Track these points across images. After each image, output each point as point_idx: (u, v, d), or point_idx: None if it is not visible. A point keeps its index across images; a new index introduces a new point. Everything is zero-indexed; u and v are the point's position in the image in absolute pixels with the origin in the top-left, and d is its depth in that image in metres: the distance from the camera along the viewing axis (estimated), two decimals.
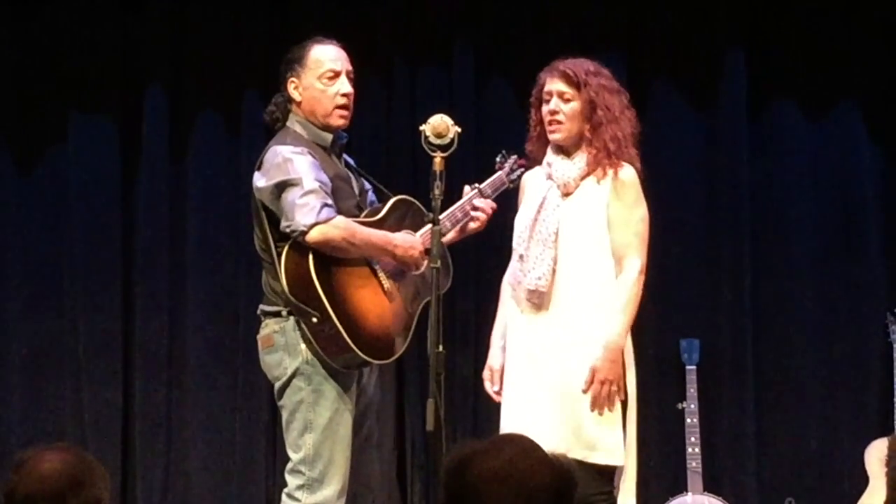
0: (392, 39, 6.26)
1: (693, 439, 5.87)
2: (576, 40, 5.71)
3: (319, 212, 4.19)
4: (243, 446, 6.19)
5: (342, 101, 4.38)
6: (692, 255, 6.25)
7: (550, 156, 4.42)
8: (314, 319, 4.21)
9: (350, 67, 4.42)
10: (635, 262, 4.31)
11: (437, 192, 4.06)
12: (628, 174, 4.35)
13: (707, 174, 6.30)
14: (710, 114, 6.30)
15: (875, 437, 5.90)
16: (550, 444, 4.03)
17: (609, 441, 4.23)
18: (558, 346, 4.28)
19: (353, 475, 4.33)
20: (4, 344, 6.26)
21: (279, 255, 4.26)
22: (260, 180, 4.31)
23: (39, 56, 6.27)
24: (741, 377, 6.18)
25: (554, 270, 4.31)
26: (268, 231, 4.30)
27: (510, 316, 4.42)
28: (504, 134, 5.82)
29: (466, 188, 4.56)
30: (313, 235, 4.19)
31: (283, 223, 4.23)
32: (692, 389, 5.96)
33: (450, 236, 4.47)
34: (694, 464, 5.86)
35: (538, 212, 4.35)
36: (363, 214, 4.39)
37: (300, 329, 4.25)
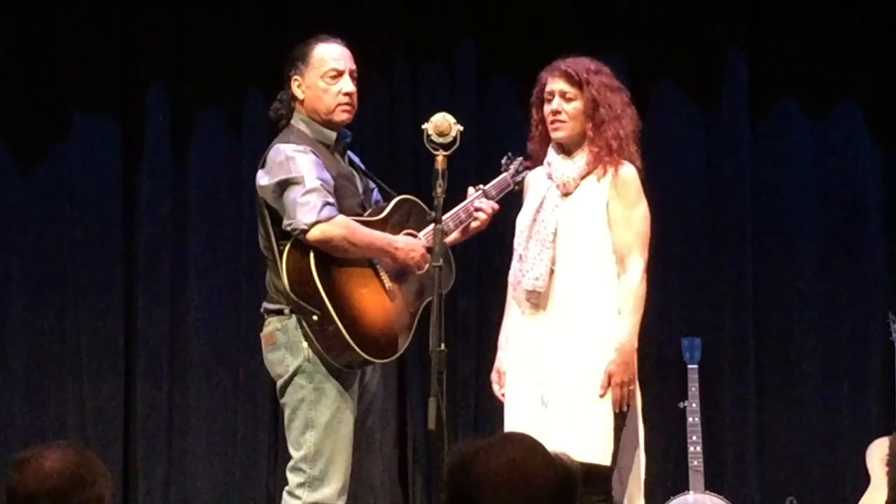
0: (394, 37, 6.26)
1: (695, 438, 5.87)
2: (578, 39, 5.71)
3: (321, 210, 4.19)
4: (245, 444, 6.19)
5: (344, 99, 4.38)
6: (694, 254, 6.25)
7: (551, 155, 4.42)
8: (315, 318, 4.21)
9: (353, 66, 4.42)
10: (638, 261, 4.31)
11: (439, 190, 4.06)
12: (628, 172, 4.35)
13: (708, 173, 6.30)
14: (712, 113, 6.29)
15: (876, 437, 5.90)
16: (551, 443, 4.07)
17: (603, 441, 4.21)
18: (557, 346, 4.28)
19: (354, 474, 4.33)
20: (6, 342, 6.26)
21: (281, 253, 4.26)
22: (263, 178, 4.31)
23: (41, 54, 6.27)
24: (743, 376, 6.18)
25: (552, 271, 4.30)
26: (270, 229, 4.30)
27: (513, 316, 4.43)
28: (506, 132, 5.84)
29: (471, 189, 4.56)
30: (314, 234, 4.19)
31: (285, 221, 4.23)
32: (694, 388, 5.95)
33: (453, 237, 4.47)
34: (695, 462, 5.85)
35: (537, 212, 4.35)
36: (366, 213, 4.39)
37: (302, 327, 4.26)
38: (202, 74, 6.31)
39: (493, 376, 4.48)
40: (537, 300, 4.32)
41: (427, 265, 4.31)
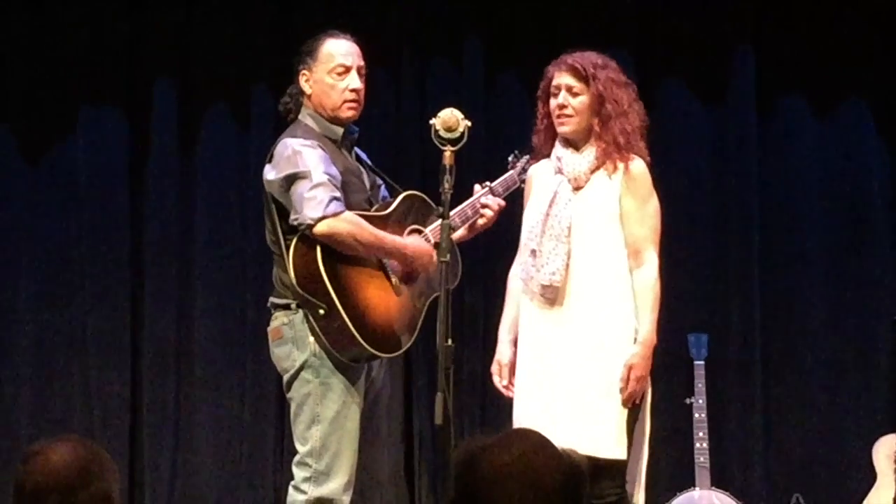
0: (402, 32, 6.26)
1: (701, 434, 5.86)
2: (585, 35, 5.69)
3: (327, 205, 4.19)
4: (251, 438, 6.20)
5: (351, 96, 4.38)
6: (701, 250, 6.25)
7: (559, 149, 4.41)
8: (321, 311, 4.20)
9: (362, 63, 4.42)
10: (653, 256, 4.32)
11: (447, 185, 4.04)
12: (639, 168, 4.34)
13: (716, 169, 6.30)
14: (719, 110, 6.30)
15: (883, 434, 5.90)
16: (562, 439, 4.06)
17: (618, 436, 4.22)
18: (571, 340, 4.28)
19: (360, 469, 4.33)
20: (13, 335, 6.27)
21: (288, 247, 4.26)
22: (270, 173, 4.31)
23: (49, 48, 6.28)
24: (749, 372, 6.18)
25: (567, 265, 4.30)
26: (277, 224, 4.31)
27: (522, 311, 4.41)
28: (514, 128, 5.83)
29: (477, 187, 4.55)
30: (320, 229, 4.19)
31: (292, 216, 4.23)
32: (700, 384, 5.94)
33: (459, 233, 4.47)
34: (702, 459, 5.85)
35: (550, 206, 4.34)
36: (373, 209, 4.39)
37: (308, 322, 4.25)
38: (210, 69, 6.31)
39: (494, 368, 4.48)
40: (553, 295, 4.31)
41: (433, 268, 4.30)
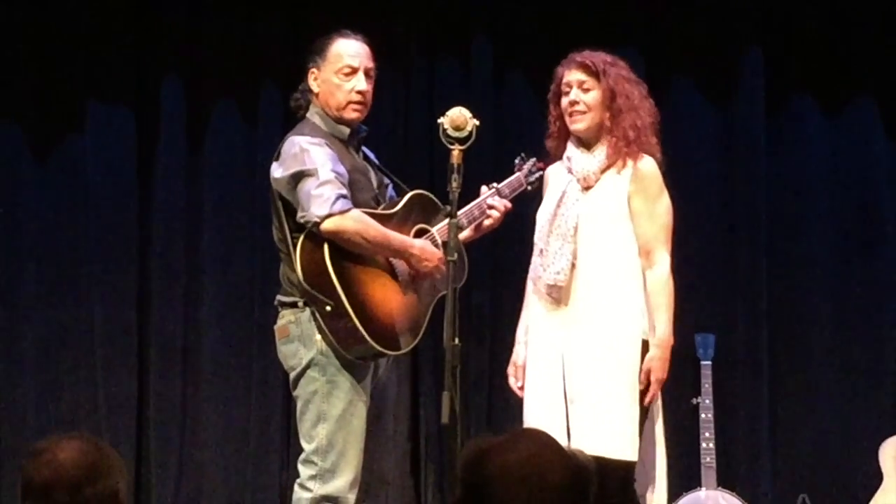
0: (410, 31, 6.26)
1: (707, 434, 5.86)
2: (594, 35, 5.69)
3: (334, 203, 4.19)
4: (257, 437, 6.20)
5: (356, 97, 4.38)
6: (708, 250, 6.24)
7: (570, 149, 4.42)
8: (328, 308, 4.21)
9: (371, 65, 4.42)
10: (665, 255, 4.31)
11: (454, 185, 4.05)
12: (648, 165, 4.34)
13: (724, 169, 6.30)
14: (728, 109, 6.29)
15: (890, 435, 5.89)
16: (578, 439, 4.07)
17: (628, 437, 4.22)
18: (579, 341, 4.28)
19: (366, 467, 4.33)
20: (20, 333, 6.27)
21: (295, 245, 4.26)
22: (277, 171, 4.31)
23: (57, 45, 6.28)
24: (756, 373, 6.17)
25: (573, 265, 4.30)
26: (284, 221, 4.31)
27: (532, 311, 4.42)
28: (522, 127, 5.84)
29: (484, 188, 4.56)
30: (327, 226, 4.19)
31: (299, 213, 4.24)
32: (707, 385, 5.94)
33: (466, 234, 4.48)
34: (708, 459, 5.85)
35: (558, 206, 4.35)
36: (380, 207, 4.39)
37: (315, 320, 4.26)
38: (218, 66, 6.31)
39: (510, 370, 4.48)
40: (558, 294, 4.32)
41: (440, 274, 4.30)
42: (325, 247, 4.22)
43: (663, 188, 4.36)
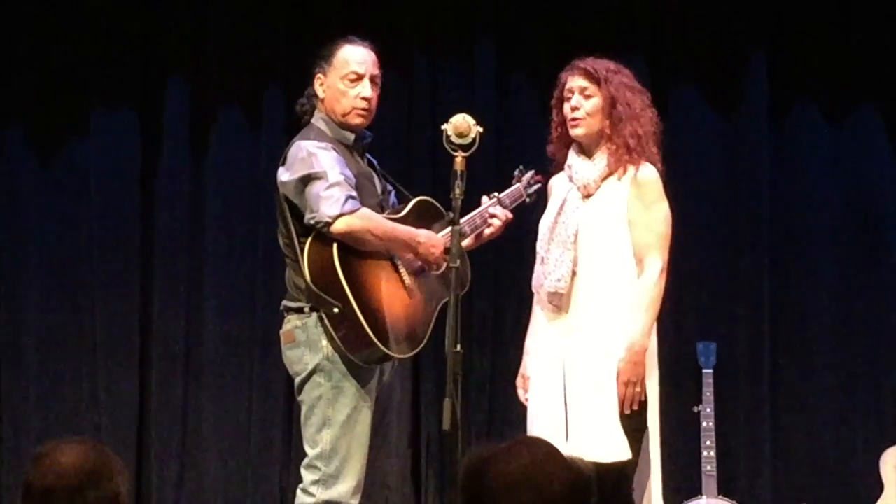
0: (414, 37, 6.26)
1: (708, 443, 5.86)
2: (598, 40, 5.69)
3: (344, 203, 4.20)
4: (258, 440, 6.20)
5: (361, 104, 4.39)
6: (710, 258, 6.24)
7: (572, 157, 4.42)
8: (336, 310, 4.21)
9: (377, 72, 4.43)
10: (656, 262, 4.30)
11: (458, 191, 4.05)
12: (648, 173, 4.34)
13: (727, 177, 6.30)
14: (732, 117, 6.29)
15: (890, 444, 5.90)
16: (569, 446, 4.07)
17: (617, 438, 4.21)
18: (579, 348, 4.28)
19: (368, 472, 4.33)
20: (22, 334, 6.28)
21: (302, 249, 4.27)
22: (284, 174, 4.32)
23: (62, 48, 6.29)
24: (757, 381, 6.17)
25: (574, 272, 4.30)
26: (291, 225, 4.31)
27: (536, 319, 4.43)
28: (526, 133, 5.84)
29: (485, 198, 4.56)
30: (338, 226, 4.20)
31: (308, 215, 4.24)
32: (708, 393, 5.94)
33: (467, 242, 4.48)
34: (709, 467, 5.85)
35: (558, 214, 4.35)
36: (385, 213, 4.40)
37: (322, 325, 4.26)
38: (222, 70, 6.32)
39: (518, 381, 4.49)
40: (559, 302, 4.32)
41: (445, 265, 4.31)
42: (334, 249, 4.22)
43: (663, 196, 4.36)
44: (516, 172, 4.66)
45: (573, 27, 6.19)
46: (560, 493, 2.40)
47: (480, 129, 4.11)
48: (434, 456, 6.06)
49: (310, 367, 4.30)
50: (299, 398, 4.36)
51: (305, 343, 4.30)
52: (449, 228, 4.19)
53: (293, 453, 5.90)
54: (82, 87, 6.30)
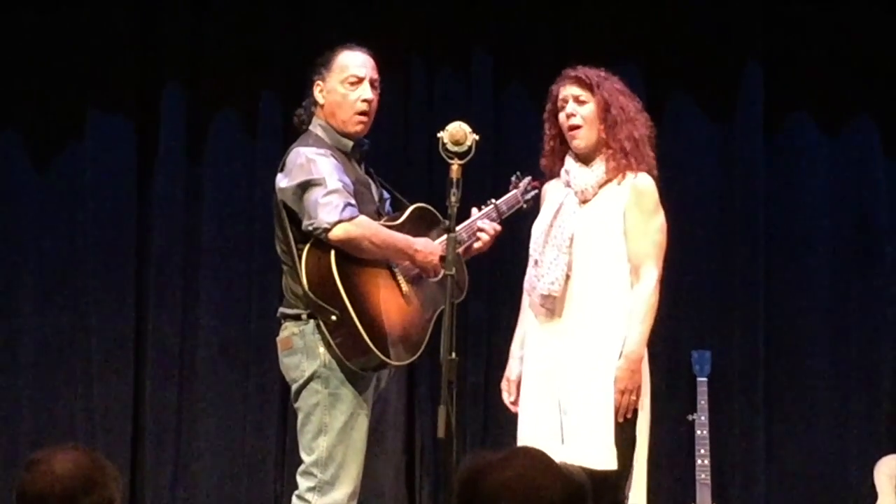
0: (410, 45, 6.26)
1: (703, 451, 5.87)
2: (594, 49, 5.70)
3: (343, 210, 4.21)
4: (253, 447, 6.19)
5: (362, 107, 4.39)
6: (705, 267, 6.24)
7: (569, 163, 4.43)
8: (333, 318, 4.21)
9: (376, 76, 4.44)
10: (652, 271, 4.31)
11: (453, 199, 4.05)
12: (645, 182, 4.35)
13: (722, 186, 6.30)
14: (727, 127, 6.30)
15: (885, 453, 5.90)
16: (560, 452, 4.07)
17: (608, 447, 4.21)
18: (572, 353, 4.28)
19: (363, 479, 4.33)
20: (17, 340, 6.27)
21: (300, 256, 4.27)
22: (283, 181, 4.32)
23: (58, 53, 6.29)
24: (752, 390, 6.17)
25: (568, 276, 4.31)
26: (289, 232, 4.31)
27: (527, 323, 4.43)
28: (522, 141, 5.84)
29: (474, 210, 4.55)
30: (336, 233, 4.20)
31: (306, 222, 4.24)
32: (703, 401, 5.95)
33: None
34: (703, 476, 5.85)
35: (554, 217, 4.36)
36: (382, 220, 4.40)
37: (319, 332, 4.26)
38: (218, 75, 6.32)
39: (503, 384, 4.49)
40: (552, 305, 4.33)
41: (442, 272, 4.31)
42: (332, 255, 4.22)
43: (659, 206, 4.37)
44: (513, 179, 4.66)
45: (569, 36, 6.20)
46: (553, 502, 2.40)
47: (476, 137, 4.11)
48: (428, 463, 6.06)
49: (307, 374, 4.30)
50: (296, 405, 4.36)
51: (303, 350, 4.30)
52: (446, 236, 4.19)
53: (287, 459, 5.90)
54: (79, 92, 6.30)
